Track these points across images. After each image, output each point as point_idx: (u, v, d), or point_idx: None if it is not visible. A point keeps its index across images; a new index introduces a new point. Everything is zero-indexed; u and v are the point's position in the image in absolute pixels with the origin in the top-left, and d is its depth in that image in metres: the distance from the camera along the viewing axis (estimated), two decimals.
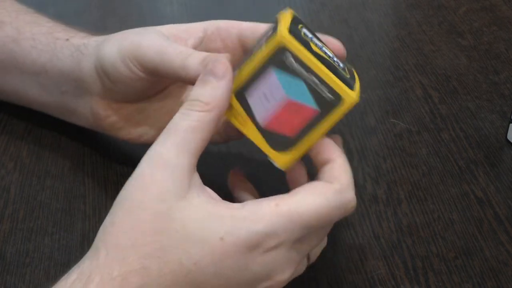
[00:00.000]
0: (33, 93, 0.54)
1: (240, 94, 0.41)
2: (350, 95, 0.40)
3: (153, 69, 0.45)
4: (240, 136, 0.43)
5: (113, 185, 0.53)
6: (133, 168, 0.54)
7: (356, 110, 0.60)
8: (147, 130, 0.51)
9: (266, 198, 0.38)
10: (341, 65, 0.42)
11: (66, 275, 0.37)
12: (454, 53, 0.67)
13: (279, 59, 0.40)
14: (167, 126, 0.39)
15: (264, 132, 0.41)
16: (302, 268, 0.41)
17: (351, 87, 0.40)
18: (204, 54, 0.43)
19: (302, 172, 0.43)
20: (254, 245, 0.37)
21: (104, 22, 0.73)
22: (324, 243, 0.42)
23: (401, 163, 0.55)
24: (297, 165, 0.43)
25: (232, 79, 0.40)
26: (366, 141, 0.57)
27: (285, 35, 0.39)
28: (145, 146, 0.52)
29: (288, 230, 0.37)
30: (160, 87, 0.50)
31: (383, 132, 0.58)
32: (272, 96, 0.40)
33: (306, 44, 0.40)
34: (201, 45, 0.48)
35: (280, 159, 0.41)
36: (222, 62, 0.40)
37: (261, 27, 0.46)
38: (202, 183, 0.39)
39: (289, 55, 0.39)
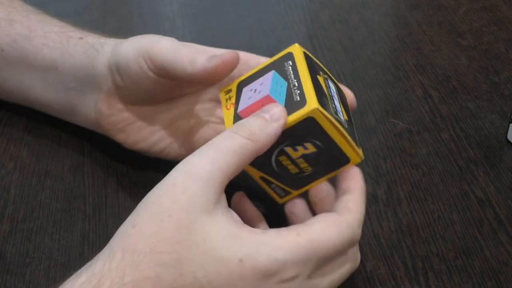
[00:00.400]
0: (37, 90, 0.54)
1: (242, 85, 0.44)
2: (313, 104, 0.40)
3: (163, 66, 0.46)
4: None
5: (113, 185, 0.53)
6: (133, 168, 0.54)
7: (356, 110, 0.60)
8: (144, 138, 0.51)
9: (287, 227, 0.38)
10: (338, 107, 0.44)
11: (74, 276, 0.36)
12: (454, 53, 0.67)
13: (281, 64, 0.43)
14: (210, 141, 0.39)
15: (236, 119, 0.42)
16: None
17: (325, 106, 0.41)
18: (213, 51, 0.44)
19: (303, 207, 0.44)
20: (272, 273, 0.37)
21: (104, 22, 0.73)
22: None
23: (401, 163, 0.55)
24: (298, 200, 0.44)
25: (285, 124, 0.41)
26: (366, 141, 0.57)
27: (298, 48, 0.44)
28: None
29: (307, 260, 0.37)
30: (167, 95, 0.50)
31: (383, 132, 0.58)
32: (259, 91, 0.42)
33: (312, 68, 0.43)
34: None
35: None
36: (281, 108, 0.40)
37: None
38: (227, 205, 0.39)
39: (290, 62, 0.43)
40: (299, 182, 0.44)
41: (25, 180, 0.53)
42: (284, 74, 0.43)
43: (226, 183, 0.38)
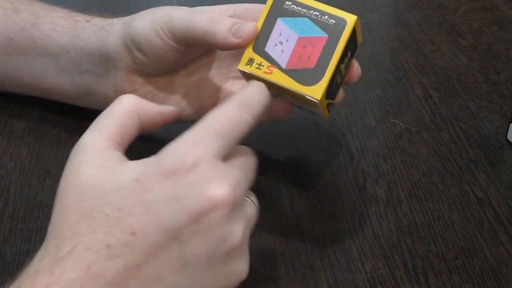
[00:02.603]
0: (50, 77, 0.55)
1: (259, 48, 0.45)
2: (350, 16, 0.45)
3: (183, 37, 0.47)
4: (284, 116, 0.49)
5: None
6: None
7: (356, 110, 0.60)
8: (176, 103, 0.52)
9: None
10: None
11: None
12: (454, 53, 0.67)
13: (281, 8, 0.45)
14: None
15: (290, 73, 0.44)
16: (251, 211, 0.41)
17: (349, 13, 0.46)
18: (231, 20, 0.45)
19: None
20: (172, 170, 0.37)
21: None
22: (249, 177, 0.41)
23: (401, 163, 0.55)
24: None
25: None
26: (366, 141, 0.57)
27: None
28: (142, 141, 0.52)
29: (199, 141, 0.38)
30: (189, 59, 0.51)
31: (383, 132, 0.58)
32: (285, 40, 0.45)
33: None
34: None
35: (313, 92, 0.44)
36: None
37: None
38: (122, 158, 0.39)
39: (288, 2, 0.46)
40: (338, 88, 0.47)
41: (25, 180, 0.53)
42: (293, 14, 0.45)
43: (111, 142, 0.39)
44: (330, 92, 0.45)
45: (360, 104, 0.60)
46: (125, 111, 0.41)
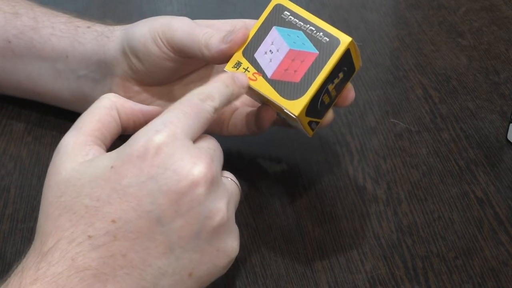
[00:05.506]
0: (47, 81, 0.55)
1: (248, 53, 0.45)
2: (345, 36, 0.44)
3: (181, 48, 0.47)
4: (264, 128, 0.48)
5: None
6: None
7: (356, 110, 0.60)
8: None
9: None
10: None
11: None
12: (454, 53, 0.67)
13: (278, 17, 0.45)
14: None
15: (274, 84, 0.44)
16: (232, 186, 0.41)
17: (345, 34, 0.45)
18: (225, 32, 0.46)
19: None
20: (144, 151, 0.37)
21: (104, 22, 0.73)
22: (220, 157, 0.41)
23: (401, 163, 0.55)
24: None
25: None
26: (366, 141, 0.57)
27: None
28: None
29: (168, 121, 0.38)
30: (185, 71, 0.51)
31: (383, 132, 0.58)
32: (276, 49, 0.45)
33: (306, 9, 0.46)
34: None
35: (293, 107, 0.44)
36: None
37: None
38: (101, 151, 0.40)
39: (287, 12, 0.45)
40: (325, 109, 0.47)
41: (25, 180, 0.53)
42: (289, 25, 0.45)
43: (89, 139, 0.40)
44: (314, 110, 0.45)
45: (360, 104, 0.60)
46: (104, 108, 0.41)
